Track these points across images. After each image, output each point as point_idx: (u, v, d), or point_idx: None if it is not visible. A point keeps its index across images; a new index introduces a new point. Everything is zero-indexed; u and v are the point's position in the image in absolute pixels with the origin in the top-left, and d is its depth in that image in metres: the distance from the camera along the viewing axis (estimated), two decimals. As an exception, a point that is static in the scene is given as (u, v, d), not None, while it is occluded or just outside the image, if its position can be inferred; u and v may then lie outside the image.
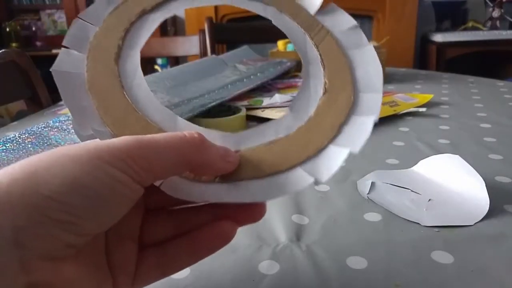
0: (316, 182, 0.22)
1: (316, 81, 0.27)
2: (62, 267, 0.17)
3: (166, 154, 0.19)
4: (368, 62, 0.27)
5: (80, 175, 0.16)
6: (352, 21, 0.30)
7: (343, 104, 0.25)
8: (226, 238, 0.22)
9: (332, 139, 0.24)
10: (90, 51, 0.26)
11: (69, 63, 0.25)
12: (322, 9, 0.30)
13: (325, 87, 0.26)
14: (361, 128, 0.24)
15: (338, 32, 0.29)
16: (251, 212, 0.22)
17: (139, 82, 0.26)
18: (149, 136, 0.19)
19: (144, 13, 0.29)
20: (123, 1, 0.29)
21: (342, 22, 0.30)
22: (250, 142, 0.24)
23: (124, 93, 0.25)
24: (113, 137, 0.21)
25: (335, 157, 0.23)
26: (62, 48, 0.26)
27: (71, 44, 0.26)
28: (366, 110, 0.25)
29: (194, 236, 0.22)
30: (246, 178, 0.22)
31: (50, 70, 0.23)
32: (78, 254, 0.18)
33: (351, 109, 0.25)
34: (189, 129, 0.24)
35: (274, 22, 0.30)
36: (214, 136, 0.24)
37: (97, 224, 0.17)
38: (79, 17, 0.28)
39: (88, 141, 0.21)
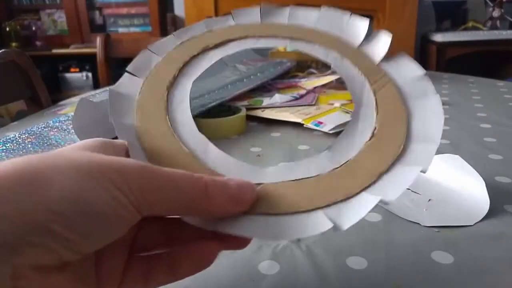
0: (335, 229, 0.20)
1: (366, 125, 0.25)
2: (49, 276, 0.16)
3: (170, 196, 0.18)
4: (429, 112, 0.26)
5: (84, 191, 0.16)
6: (420, 70, 0.28)
7: (389, 152, 0.23)
8: (205, 262, 0.21)
9: (367, 187, 0.22)
10: (147, 78, 0.28)
11: (126, 86, 0.27)
12: (388, 57, 0.29)
13: (373, 132, 0.25)
14: (401, 178, 0.22)
15: (402, 81, 0.28)
16: (238, 239, 0.21)
17: (184, 107, 0.27)
18: (163, 171, 0.19)
19: (206, 50, 0.31)
20: (190, 38, 0.32)
21: (408, 70, 0.29)
22: (277, 176, 0.23)
23: (167, 116, 0.25)
24: (144, 152, 0.22)
25: (363, 205, 0.20)
26: (125, 73, 0.28)
27: (134, 70, 0.28)
28: (414, 160, 0.23)
29: (176, 253, 0.22)
30: (261, 212, 0.21)
31: (108, 88, 0.24)
32: (67, 264, 0.17)
33: (397, 158, 0.23)
34: (219, 158, 0.23)
35: (333, 67, 0.30)
36: (241, 167, 0.23)
37: (91, 244, 0.17)
38: (147, 48, 0.30)
39: (102, 154, 0.20)
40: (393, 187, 0.21)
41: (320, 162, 0.24)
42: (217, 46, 0.31)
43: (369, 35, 0.31)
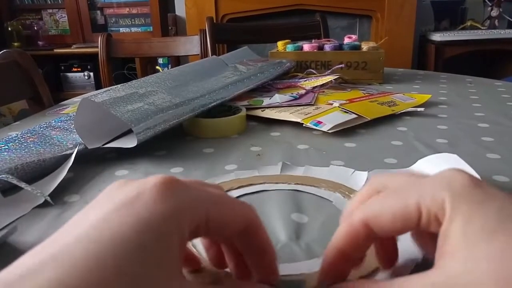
0: None
1: None
2: None
3: None
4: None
5: None
6: None
7: (370, 264, 0.27)
8: None
9: None
10: None
11: None
12: None
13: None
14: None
15: None
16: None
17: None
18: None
19: (230, 190, 0.38)
20: (220, 183, 0.40)
21: None
22: None
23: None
24: None
25: None
26: None
27: None
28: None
29: None
30: None
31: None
32: None
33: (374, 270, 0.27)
34: None
35: (335, 204, 0.36)
36: None
37: None
38: None
39: None
40: None
41: (309, 265, 0.28)
42: (239, 187, 0.39)
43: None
